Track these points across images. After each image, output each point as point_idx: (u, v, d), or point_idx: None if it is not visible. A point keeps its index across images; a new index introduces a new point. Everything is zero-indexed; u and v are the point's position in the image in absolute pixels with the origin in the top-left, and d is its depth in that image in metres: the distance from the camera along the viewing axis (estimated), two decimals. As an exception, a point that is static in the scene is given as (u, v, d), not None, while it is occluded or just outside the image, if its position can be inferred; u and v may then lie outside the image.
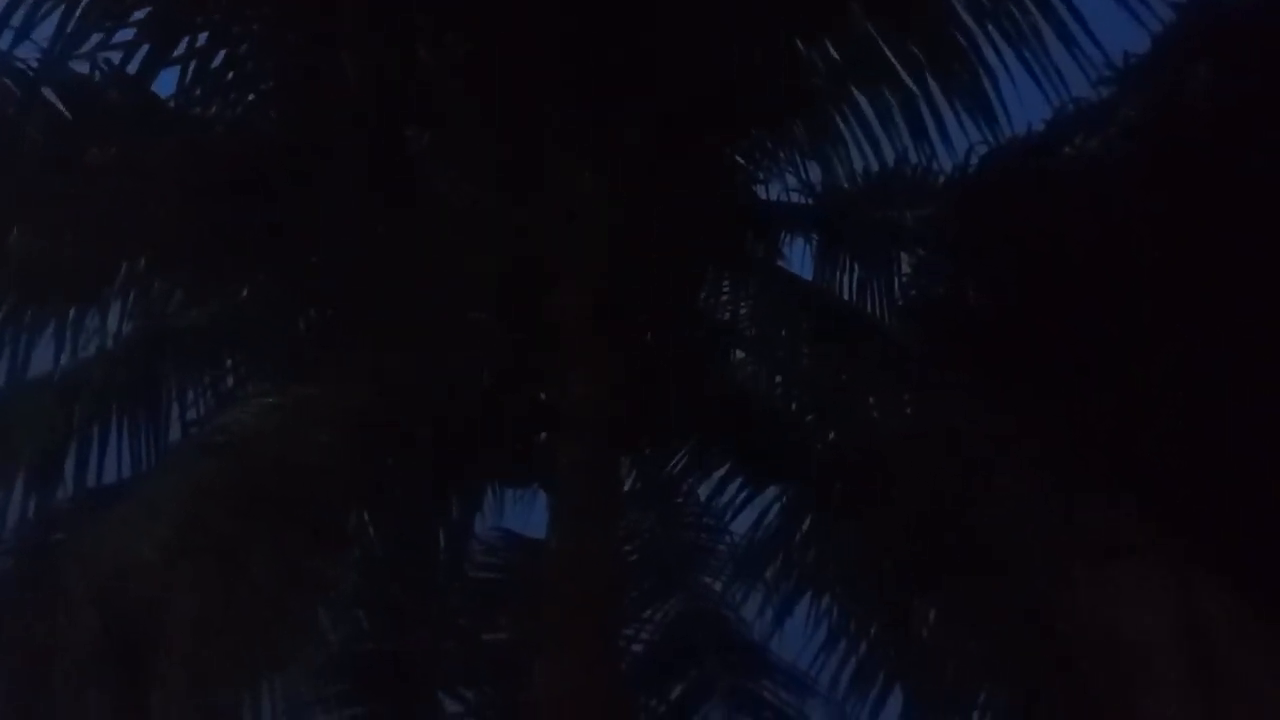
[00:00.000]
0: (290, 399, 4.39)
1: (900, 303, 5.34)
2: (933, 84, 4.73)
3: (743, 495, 5.31)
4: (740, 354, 5.51)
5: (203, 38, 4.47)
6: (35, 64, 4.29)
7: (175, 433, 4.84)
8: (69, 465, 4.57)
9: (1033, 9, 4.35)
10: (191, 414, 4.92)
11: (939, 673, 4.58)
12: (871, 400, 4.84)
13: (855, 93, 4.93)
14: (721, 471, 5.54)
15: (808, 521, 4.97)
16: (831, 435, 4.94)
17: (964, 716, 4.75)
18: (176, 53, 4.45)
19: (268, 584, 3.70)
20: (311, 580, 4.18)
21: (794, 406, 5.29)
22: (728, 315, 5.36)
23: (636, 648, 5.58)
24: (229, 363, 5.06)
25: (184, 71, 4.54)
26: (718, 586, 5.80)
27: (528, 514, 5.40)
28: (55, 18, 4.05)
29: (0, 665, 3.19)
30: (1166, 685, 2.84)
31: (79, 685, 3.02)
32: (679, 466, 5.71)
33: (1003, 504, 3.48)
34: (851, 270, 5.41)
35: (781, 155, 5.33)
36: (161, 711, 3.18)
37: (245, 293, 5.03)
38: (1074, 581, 3.07)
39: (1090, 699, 3.06)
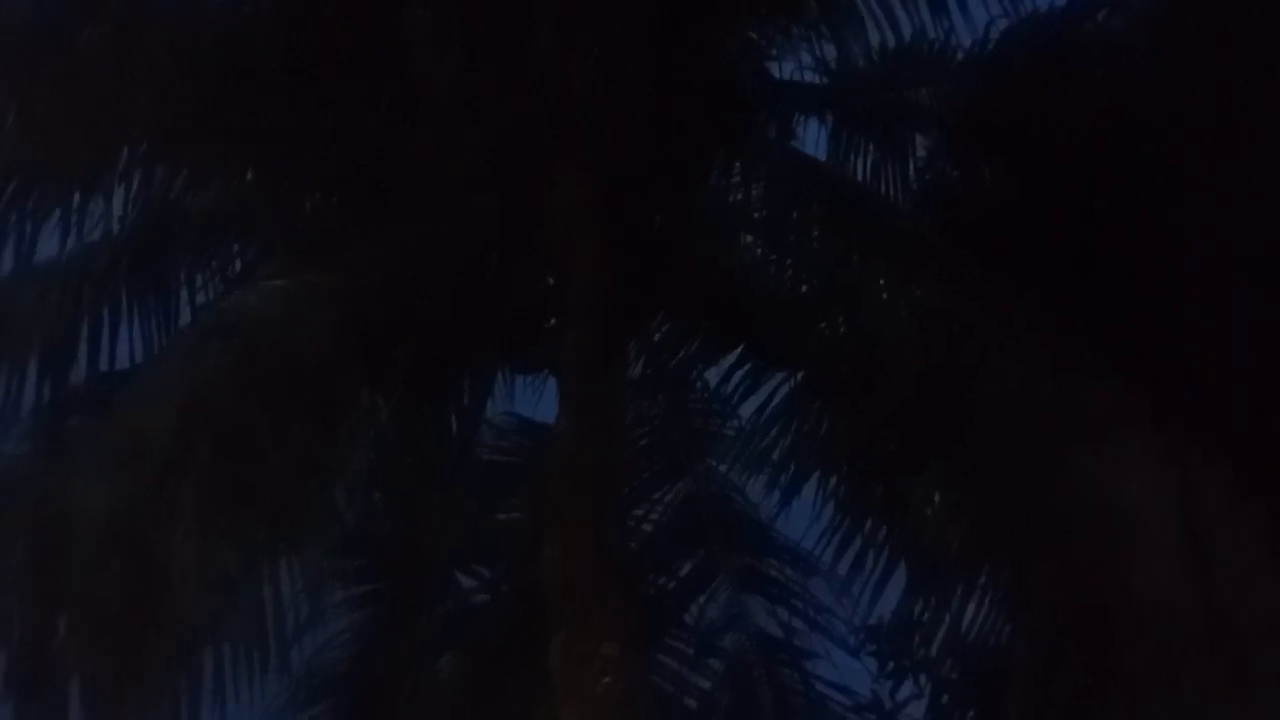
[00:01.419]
0: (298, 282, 4.38)
1: (914, 186, 5.27)
2: (952, -46, 4.56)
3: (750, 379, 5.34)
4: (749, 238, 5.46)
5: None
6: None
7: (185, 316, 4.86)
8: (81, 350, 4.61)
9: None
10: (200, 297, 4.92)
11: (940, 551, 4.66)
12: (881, 283, 4.80)
13: (872, -35, 4.76)
14: (730, 358, 5.58)
15: (813, 404, 4.99)
16: (840, 319, 4.92)
17: (965, 594, 4.88)
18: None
19: (279, 464, 3.76)
20: (323, 461, 4.24)
21: (803, 289, 5.26)
22: (738, 197, 5.29)
23: (646, 527, 5.71)
24: (236, 246, 5.04)
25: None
26: (725, 469, 5.91)
27: (538, 399, 5.47)
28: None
29: (17, 546, 3.26)
30: (1161, 560, 2.88)
31: (95, 564, 3.11)
32: (687, 352, 5.74)
33: (1005, 384, 3.48)
34: (866, 152, 5.32)
35: (795, 32, 5.19)
36: (178, 589, 3.28)
37: (250, 176, 4.99)
38: (1071, 458, 3.09)
39: (1086, 575, 3.12)
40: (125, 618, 3.22)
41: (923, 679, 6.74)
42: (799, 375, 5.07)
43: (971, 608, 4.81)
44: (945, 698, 6.74)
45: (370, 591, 5.08)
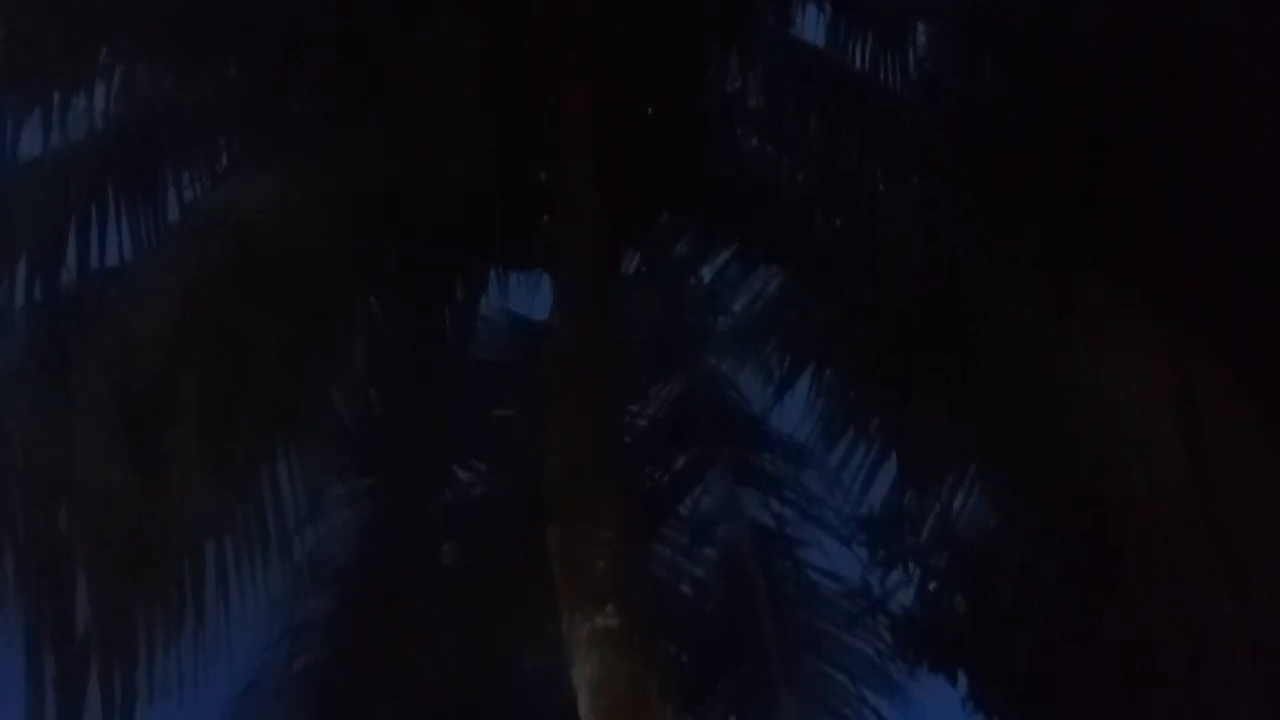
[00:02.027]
0: (291, 179, 4.32)
1: (914, 77, 5.16)
2: None
3: (745, 274, 5.33)
4: (746, 129, 5.38)
5: None
6: None
7: (174, 214, 4.80)
8: (69, 250, 4.57)
9: None
10: (189, 195, 4.86)
11: (931, 445, 4.73)
12: (878, 175, 4.75)
13: None
14: (725, 253, 5.56)
15: (808, 299, 5.00)
16: (836, 212, 4.88)
17: (954, 484, 4.98)
18: None
19: (275, 360, 3.77)
20: (319, 357, 4.25)
21: (800, 181, 5.20)
22: (735, 86, 5.18)
23: (641, 423, 5.78)
24: (225, 143, 4.96)
25: None
26: (720, 365, 5.95)
27: (532, 298, 5.47)
28: None
29: (17, 448, 3.29)
30: (1154, 453, 2.92)
31: (95, 461, 3.14)
32: (683, 248, 5.72)
33: (1001, 278, 3.48)
34: (865, 40, 5.20)
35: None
36: (179, 484, 3.33)
37: (239, 71, 4.87)
38: (1067, 352, 3.11)
39: (1079, 468, 3.17)
40: (128, 513, 3.27)
41: (912, 567, 6.95)
42: (794, 270, 5.07)
43: (960, 497, 4.92)
44: (933, 585, 6.94)
45: (369, 486, 5.16)
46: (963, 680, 7.20)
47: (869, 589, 6.57)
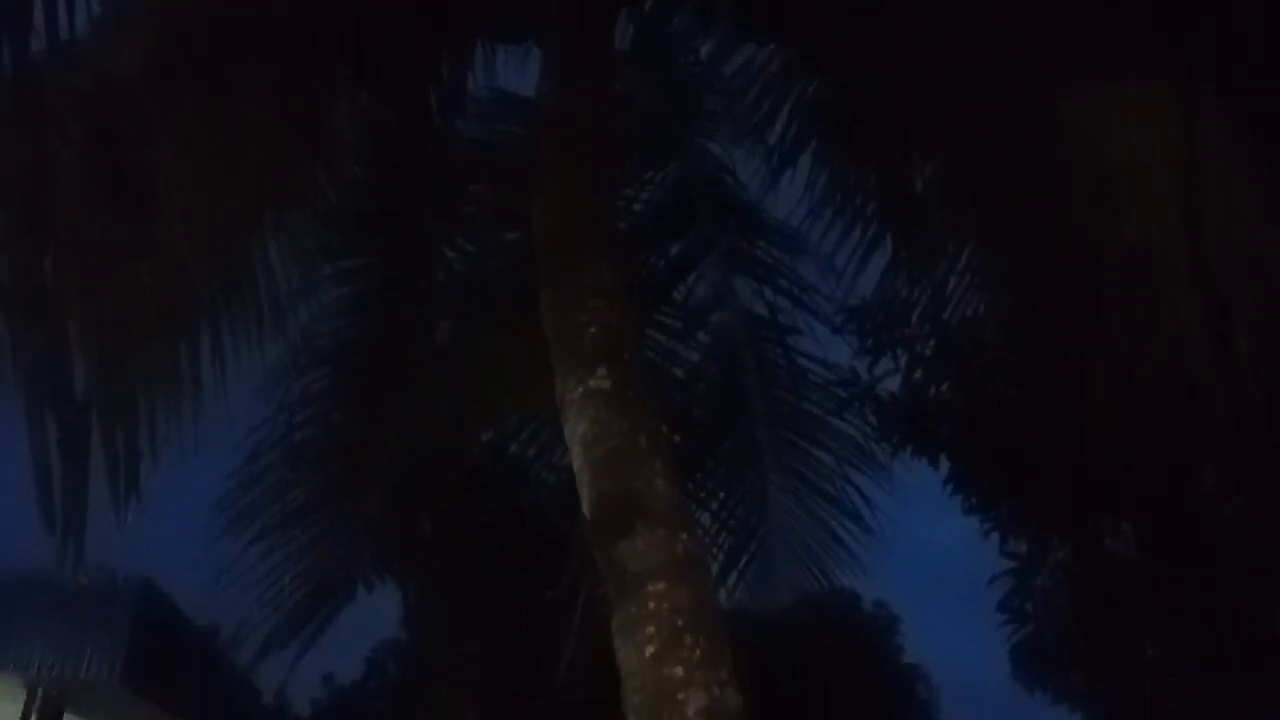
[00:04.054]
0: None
1: None
2: None
3: (742, 51, 5.12)
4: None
5: None
6: None
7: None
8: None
9: None
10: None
11: (926, 226, 4.69)
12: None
13: None
14: (722, 27, 5.32)
15: (807, 76, 4.82)
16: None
17: (946, 270, 4.97)
18: None
19: (257, 133, 3.66)
20: (302, 132, 4.13)
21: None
22: None
23: (637, 207, 5.70)
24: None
25: None
26: (716, 149, 5.82)
27: (521, 74, 5.26)
28: None
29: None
30: (1155, 209, 2.88)
31: (77, 207, 3.08)
32: (679, 22, 5.47)
33: (1002, 34, 3.33)
34: None
35: None
36: (166, 244, 3.28)
37: None
38: (1073, 107, 3.01)
39: (1076, 222, 3.13)
40: (118, 267, 3.25)
41: (899, 354, 7.09)
42: (794, 45, 4.86)
43: (953, 280, 4.92)
44: (919, 372, 7.11)
45: (361, 265, 5.14)
46: (944, 463, 7.54)
47: (857, 376, 6.73)
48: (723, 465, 6.16)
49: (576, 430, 3.02)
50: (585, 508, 2.96)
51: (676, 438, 5.90)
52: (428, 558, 8.23)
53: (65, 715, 11.85)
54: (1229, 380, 3.33)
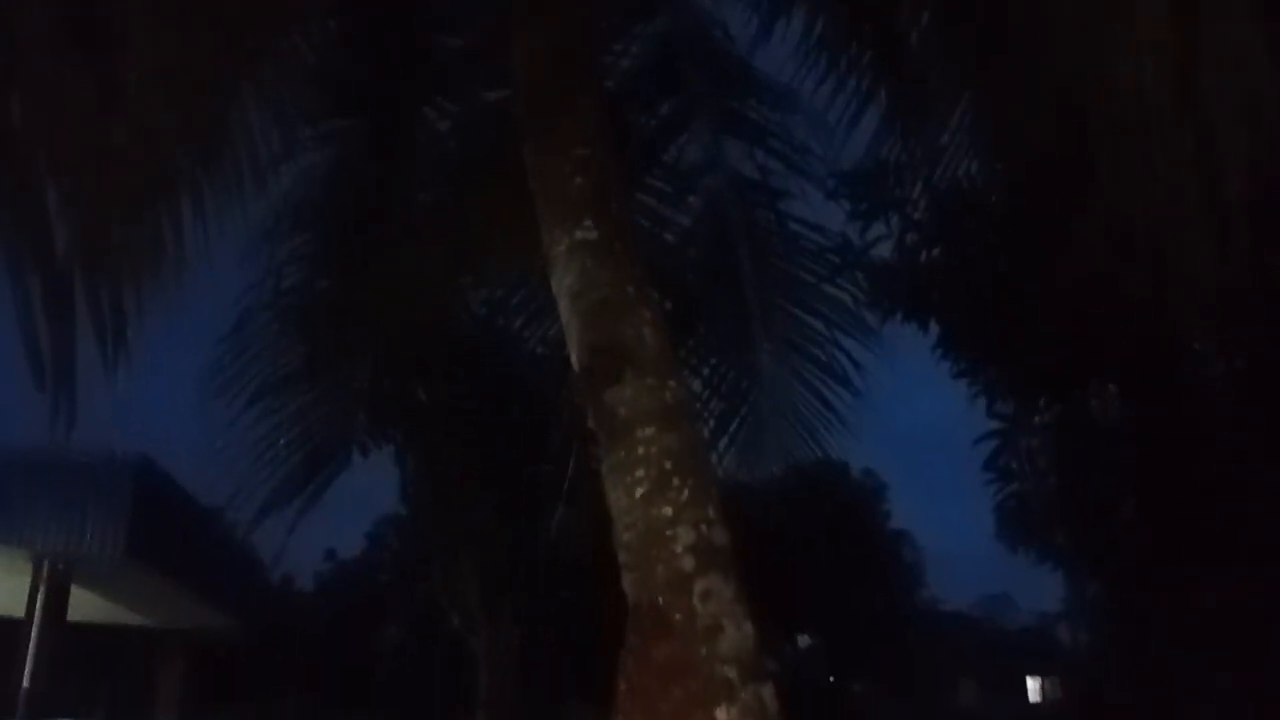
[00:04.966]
0: None
1: None
2: None
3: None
4: None
5: None
6: None
7: None
8: None
9: None
10: None
11: (919, 84, 4.58)
12: None
13: None
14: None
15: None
16: None
17: (939, 131, 4.87)
18: None
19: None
20: None
21: None
22: None
23: (624, 64, 5.55)
24: None
25: None
26: (704, 1, 5.63)
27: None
28: None
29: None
30: (1151, 58, 2.80)
31: (44, 59, 2.97)
32: None
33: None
34: None
35: None
36: (140, 98, 3.19)
37: None
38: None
39: (1070, 82, 3.06)
40: (91, 123, 3.16)
41: (892, 219, 7.04)
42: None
43: (946, 137, 4.83)
44: (911, 236, 7.08)
45: (342, 127, 5.02)
46: (934, 328, 7.57)
47: (849, 242, 6.69)
48: (713, 331, 6.17)
49: (564, 283, 3.00)
50: (574, 359, 2.97)
51: (667, 304, 5.91)
52: (422, 425, 8.31)
53: (71, 587, 12.15)
54: (1218, 234, 3.31)
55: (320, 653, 17.05)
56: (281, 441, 5.13)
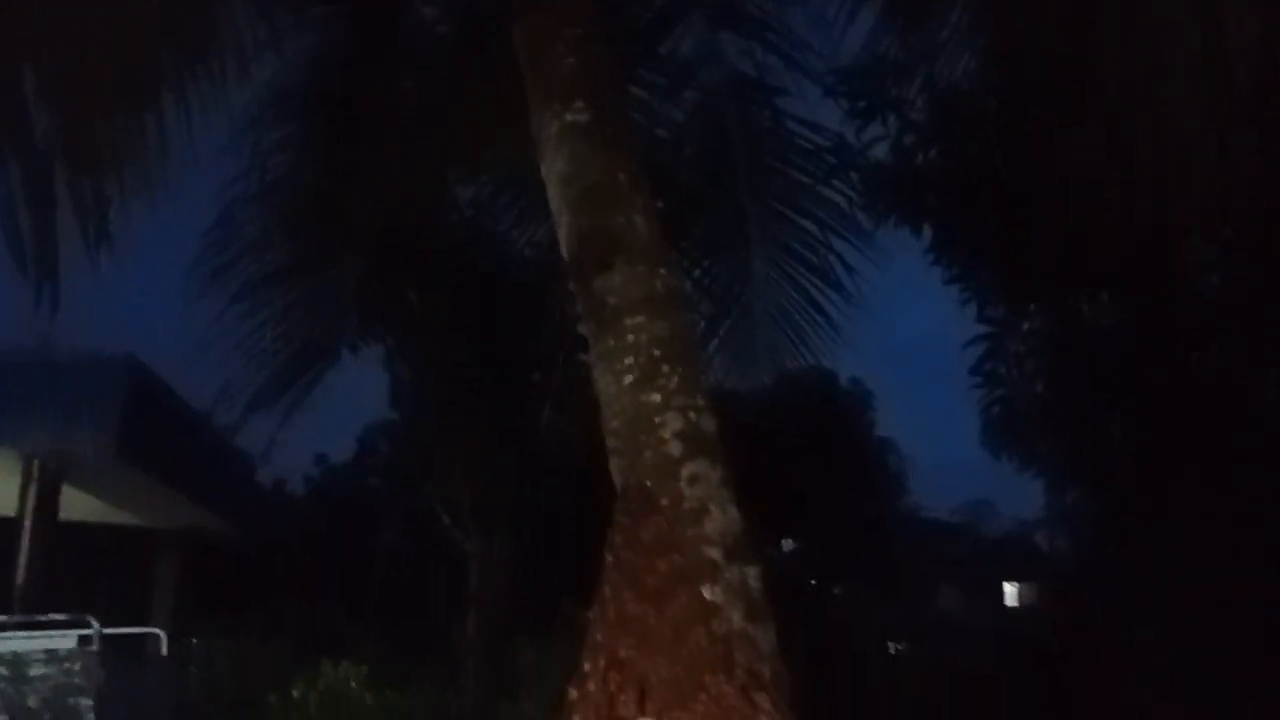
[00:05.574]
0: None
1: None
2: None
3: None
4: None
5: None
6: None
7: None
8: None
9: None
10: None
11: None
12: None
13: None
14: None
15: None
16: None
17: (939, 20, 4.74)
18: None
19: None
20: None
21: None
22: None
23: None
24: None
25: None
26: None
27: None
28: None
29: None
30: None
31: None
32: None
33: None
34: None
35: None
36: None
37: None
38: None
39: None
40: (72, 15, 3.06)
41: (890, 119, 6.91)
42: None
43: (945, 33, 4.71)
44: (909, 138, 6.96)
45: (326, 14, 4.86)
46: (927, 232, 7.51)
47: (845, 143, 6.56)
48: (707, 232, 6.11)
49: (553, 168, 2.93)
50: (563, 247, 2.92)
51: (660, 203, 5.83)
52: (413, 328, 8.28)
53: (63, 487, 12.22)
54: (1220, 134, 3.25)
55: (314, 557, 17.30)
56: (269, 338, 5.09)
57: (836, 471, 14.11)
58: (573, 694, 1.54)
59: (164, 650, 8.53)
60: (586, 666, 1.65)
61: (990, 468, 8.09)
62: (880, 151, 6.68)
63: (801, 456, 12.99)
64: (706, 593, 2.16)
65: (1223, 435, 6.68)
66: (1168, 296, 6.52)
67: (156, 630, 8.93)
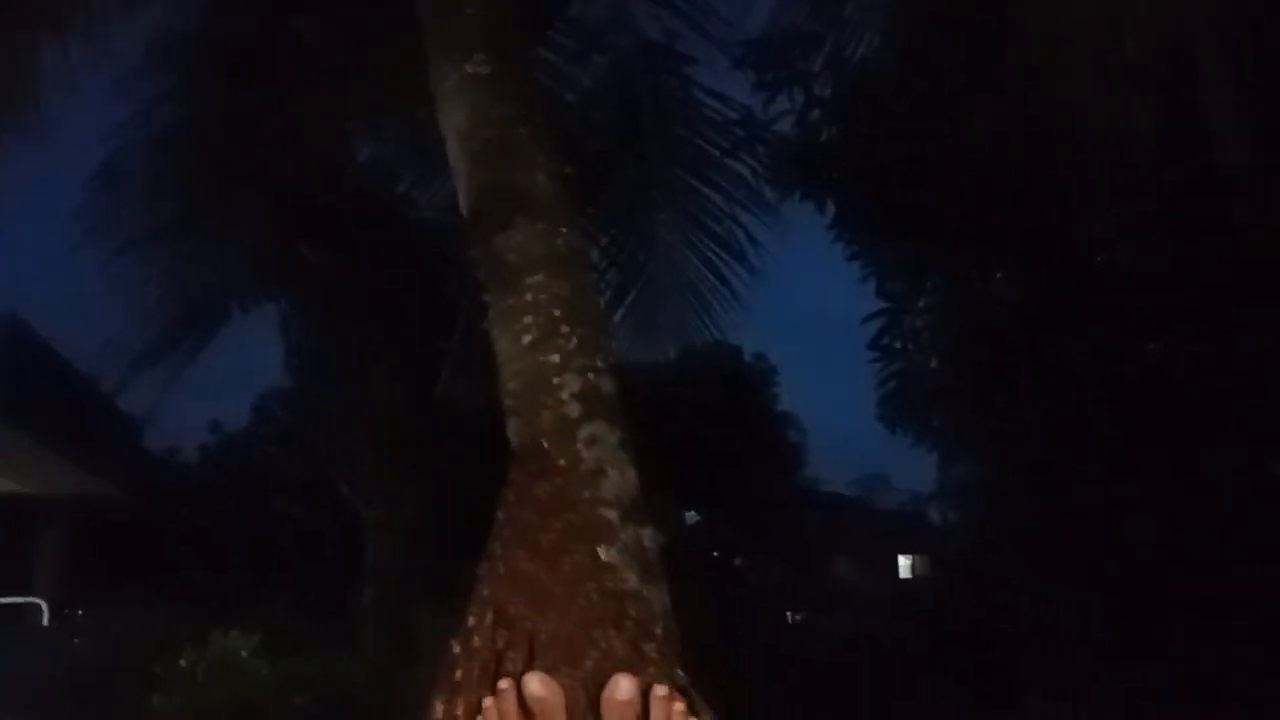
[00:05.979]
0: None
1: None
2: None
3: None
4: None
5: None
6: None
7: None
8: None
9: None
10: None
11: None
12: None
13: None
14: None
15: None
16: None
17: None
18: None
19: None
20: None
21: None
22: None
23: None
24: None
25: None
26: None
27: None
28: None
29: None
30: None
31: None
32: None
33: None
34: None
35: None
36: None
37: None
38: None
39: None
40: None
41: (796, 93, 6.96)
42: None
43: (849, 8, 4.75)
44: (815, 113, 7.01)
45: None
46: (830, 208, 7.60)
47: (752, 116, 6.59)
48: (614, 200, 6.07)
49: (451, 121, 2.84)
50: (462, 203, 2.84)
51: (567, 169, 5.76)
52: (308, 290, 8.05)
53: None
54: (1123, 110, 3.33)
55: (209, 526, 16.80)
56: (155, 294, 4.89)
57: (736, 446, 14.29)
58: (456, 648, 1.50)
59: (45, 620, 8.21)
60: (472, 621, 1.61)
61: (888, 441, 8.26)
62: (786, 125, 6.72)
63: (702, 431, 13.11)
64: (602, 553, 2.14)
65: (1121, 411, 6.89)
66: (1069, 271, 6.70)
67: (37, 600, 8.58)
